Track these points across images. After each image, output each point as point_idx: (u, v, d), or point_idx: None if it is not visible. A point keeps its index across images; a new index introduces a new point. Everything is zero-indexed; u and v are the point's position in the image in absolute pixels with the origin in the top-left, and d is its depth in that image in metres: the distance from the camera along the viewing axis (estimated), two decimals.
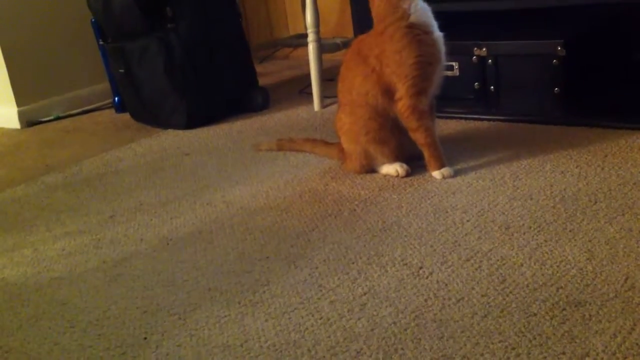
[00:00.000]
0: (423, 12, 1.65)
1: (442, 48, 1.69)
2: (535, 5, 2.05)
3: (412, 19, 1.64)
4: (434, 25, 1.67)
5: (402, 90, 1.67)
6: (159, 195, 1.90)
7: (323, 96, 2.55)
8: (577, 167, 1.64)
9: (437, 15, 1.70)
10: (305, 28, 2.52)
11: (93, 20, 2.80)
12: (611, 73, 2.05)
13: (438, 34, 1.68)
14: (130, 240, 1.62)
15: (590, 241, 1.28)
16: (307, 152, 2.03)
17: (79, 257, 1.57)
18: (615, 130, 1.83)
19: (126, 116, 2.80)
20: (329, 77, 2.62)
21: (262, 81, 2.86)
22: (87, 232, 1.71)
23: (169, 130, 2.55)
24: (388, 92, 1.69)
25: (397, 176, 1.75)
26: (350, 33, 2.49)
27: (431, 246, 1.36)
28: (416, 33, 1.64)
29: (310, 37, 2.53)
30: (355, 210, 1.59)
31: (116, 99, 2.93)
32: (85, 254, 1.58)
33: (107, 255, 1.56)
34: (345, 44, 2.82)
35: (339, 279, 1.29)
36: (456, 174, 1.70)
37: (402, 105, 1.67)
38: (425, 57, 1.64)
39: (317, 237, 1.48)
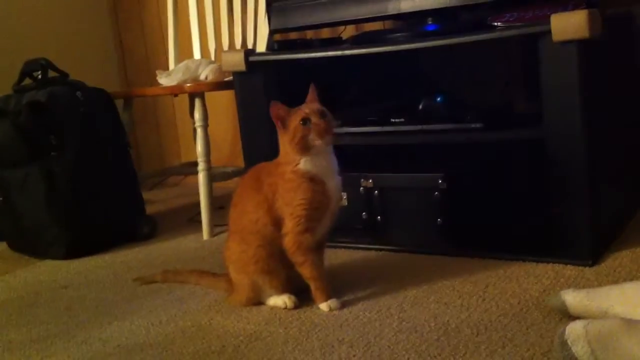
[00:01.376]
0: (317, 163, 1.66)
1: (336, 195, 1.69)
2: (418, 141, 2.14)
3: (301, 167, 1.66)
4: (328, 175, 1.67)
5: (288, 226, 1.67)
6: (30, 332, 1.76)
7: (213, 225, 2.52)
8: (459, 298, 1.66)
9: None
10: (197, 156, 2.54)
11: None
12: (490, 205, 2.14)
13: (332, 184, 1.68)
14: None
15: None
16: (193, 284, 1.97)
17: None
18: (494, 261, 1.89)
19: (2, 245, 2.65)
20: (219, 206, 2.61)
21: (151, 209, 2.81)
22: None
23: (48, 260, 2.42)
24: (277, 223, 1.69)
25: (285, 308, 1.71)
26: (241, 163, 2.51)
27: None
28: (305, 179, 1.65)
29: (201, 166, 2.54)
30: (239, 346, 1.53)
31: None
32: None
33: None
34: (237, 173, 2.84)
35: None
36: (343, 305, 1.69)
37: (288, 241, 1.67)
38: (312, 202, 1.65)
39: None
